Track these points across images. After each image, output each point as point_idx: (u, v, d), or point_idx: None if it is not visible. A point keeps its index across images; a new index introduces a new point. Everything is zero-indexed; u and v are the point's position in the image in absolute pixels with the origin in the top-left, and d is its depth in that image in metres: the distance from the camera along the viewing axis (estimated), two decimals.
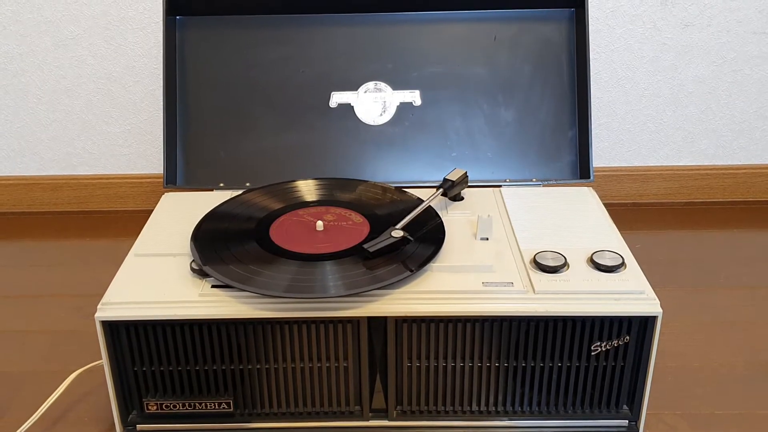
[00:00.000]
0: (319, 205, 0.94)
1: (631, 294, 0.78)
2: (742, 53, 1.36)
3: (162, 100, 1.08)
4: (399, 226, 0.85)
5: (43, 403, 0.87)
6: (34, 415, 0.86)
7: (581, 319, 0.77)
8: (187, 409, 0.81)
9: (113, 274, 0.82)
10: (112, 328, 0.77)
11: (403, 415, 0.83)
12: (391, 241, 0.82)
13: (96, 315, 0.76)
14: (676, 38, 1.34)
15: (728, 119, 1.41)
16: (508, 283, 0.79)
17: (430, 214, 0.90)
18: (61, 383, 0.89)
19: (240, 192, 0.99)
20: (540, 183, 1.06)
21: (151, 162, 1.43)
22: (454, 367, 0.80)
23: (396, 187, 0.99)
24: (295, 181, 1.00)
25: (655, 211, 1.44)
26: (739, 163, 1.45)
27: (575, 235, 0.88)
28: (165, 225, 0.93)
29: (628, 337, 0.78)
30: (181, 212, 0.95)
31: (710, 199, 1.46)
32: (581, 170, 1.08)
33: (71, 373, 0.90)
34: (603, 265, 0.81)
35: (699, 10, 1.32)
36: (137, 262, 0.84)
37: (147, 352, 0.78)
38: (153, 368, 0.79)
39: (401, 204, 0.93)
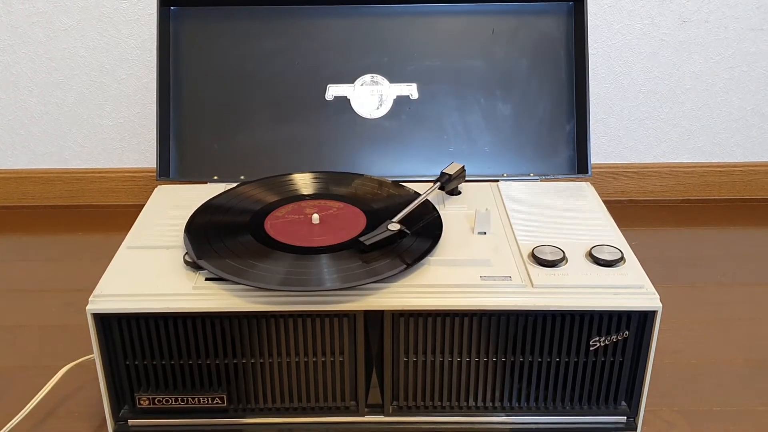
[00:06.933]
0: (315, 199, 0.93)
1: (630, 288, 0.77)
2: (739, 50, 1.35)
3: (155, 93, 1.06)
4: (396, 219, 0.84)
5: (33, 397, 0.86)
6: (23, 410, 0.85)
7: (580, 313, 0.76)
8: (179, 404, 0.80)
9: (105, 269, 0.81)
10: (103, 320, 0.76)
11: (399, 411, 0.82)
12: (388, 234, 0.81)
13: (87, 307, 0.75)
14: (673, 34, 1.34)
15: (725, 116, 1.41)
16: (506, 277, 0.78)
17: (428, 208, 0.89)
18: (51, 378, 0.87)
19: (234, 185, 0.98)
20: (537, 178, 1.05)
21: (144, 156, 1.42)
22: (451, 362, 0.79)
23: (393, 181, 0.98)
24: (290, 174, 0.99)
25: (651, 208, 1.43)
26: (736, 161, 1.45)
27: (573, 230, 0.87)
28: (158, 217, 0.91)
29: (627, 332, 0.77)
30: (175, 205, 0.94)
31: (707, 197, 1.46)
32: (579, 165, 1.07)
33: (62, 368, 0.88)
34: (602, 260, 0.80)
35: (697, 6, 1.32)
36: (129, 255, 0.83)
37: (139, 345, 0.77)
38: (145, 362, 0.78)
39: (398, 198, 0.92)
